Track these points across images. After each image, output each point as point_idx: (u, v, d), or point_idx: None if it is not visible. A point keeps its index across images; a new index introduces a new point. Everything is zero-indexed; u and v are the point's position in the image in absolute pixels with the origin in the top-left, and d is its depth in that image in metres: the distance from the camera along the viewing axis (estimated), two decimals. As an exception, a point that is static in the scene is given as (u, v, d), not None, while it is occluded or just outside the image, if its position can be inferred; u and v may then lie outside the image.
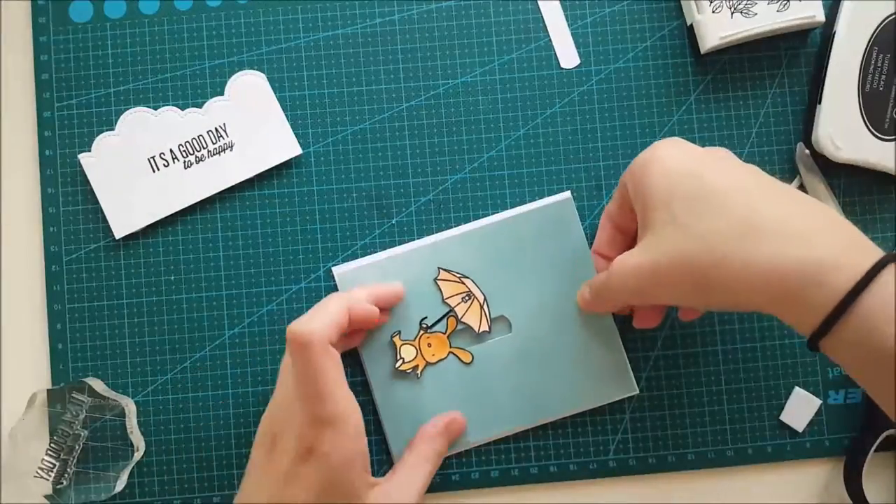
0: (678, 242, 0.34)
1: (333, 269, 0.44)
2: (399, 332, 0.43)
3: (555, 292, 0.43)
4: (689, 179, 0.35)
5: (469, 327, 0.44)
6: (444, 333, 0.44)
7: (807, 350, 0.45)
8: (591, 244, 0.44)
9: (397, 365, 0.43)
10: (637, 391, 0.44)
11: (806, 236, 0.32)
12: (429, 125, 0.46)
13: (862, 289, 0.30)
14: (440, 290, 0.44)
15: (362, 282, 0.44)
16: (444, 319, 0.44)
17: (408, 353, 0.43)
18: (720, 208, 0.33)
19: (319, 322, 0.37)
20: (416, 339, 0.44)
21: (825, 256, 0.31)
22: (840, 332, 0.31)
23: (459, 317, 0.44)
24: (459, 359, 0.44)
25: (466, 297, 0.44)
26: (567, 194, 0.45)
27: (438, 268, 0.44)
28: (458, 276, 0.44)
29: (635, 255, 0.36)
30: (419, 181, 0.46)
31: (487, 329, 0.44)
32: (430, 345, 0.43)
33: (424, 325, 0.44)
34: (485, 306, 0.44)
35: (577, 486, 0.45)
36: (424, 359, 0.43)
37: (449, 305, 0.44)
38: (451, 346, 0.44)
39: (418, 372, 0.43)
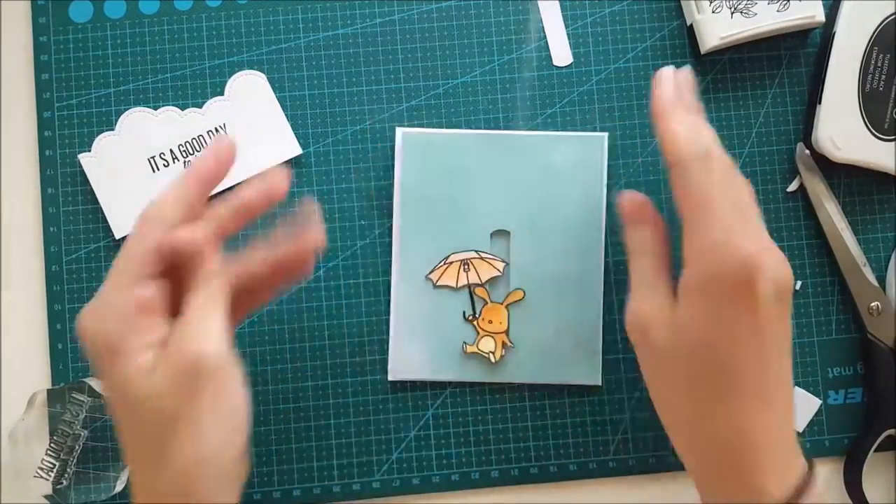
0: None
1: None
2: (464, 343, 0.44)
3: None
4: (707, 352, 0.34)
5: (493, 278, 0.44)
6: (488, 302, 0.44)
7: (807, 350, 0.45)
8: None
9: (494, 360, 0.44)
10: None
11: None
12: (429, 125, 0.46)
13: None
14: (446, 285, 0.44)
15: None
16: (474, 297, 0.44)
17: (486, 345, 0.44)
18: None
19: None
20: (478, 332, 0.44)
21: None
22: None
23: (481, 282, 0.44)
24: (518, 302, 0.44)
25: (466, 266, 0.44)
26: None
27: (426, 277, 0.44)
28: (443, 262, 0.44)
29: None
30: (419, 181, 0.46)
31: (505, 262, 0.44)
32: (490, 322, 0.44)
33: (470, 317, 0.44)
34: (482, 254, 0.44)
35: (577, 486, 0.45)
36: (501, 334, 0.44)
37: (464, 284, 0.44)
38: (503, 303, 0.44)
39: (509, 343, 0.44)
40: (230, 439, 0.32)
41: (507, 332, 0.44)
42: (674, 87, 0.37)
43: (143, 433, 0.32)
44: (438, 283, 0.44)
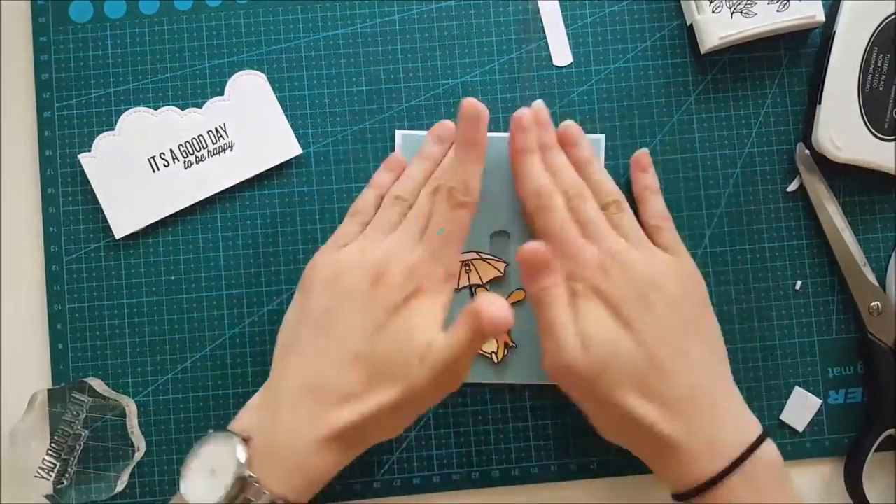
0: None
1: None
2: None
3: None
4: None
5: (494, 279, 0.44)
6: None
7: (807, 350, 0.45)
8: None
9: (496, 360, 0.44)
10: None
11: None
12: (429, 125, 0.46)
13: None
14: None
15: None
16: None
17: (489, 345, 0.44)
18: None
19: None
20: None
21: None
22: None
23: (483, 283, 0.44)
24: (519, 302, 0.44)
25: (467, 268, 0.44)
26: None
27: None
28: None
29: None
30: (419, 181, 0.46)
31: (506, 262, 0.44)
32: None
33: None
34: (483, 255, 0.44)
35: (578, 486, 0.45)
36: (503, 335, 0.44)
37: (465, 286, 0.44)
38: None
39: (511, 343, 0.44)
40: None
41: (508, 333, 0.44)
42: (528, 133, 0.42)
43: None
44: None
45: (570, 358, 0.37)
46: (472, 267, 0.44)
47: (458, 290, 0.44)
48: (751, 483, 0.36)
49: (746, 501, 0.35)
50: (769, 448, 0.37)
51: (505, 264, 0.44)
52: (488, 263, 0.44)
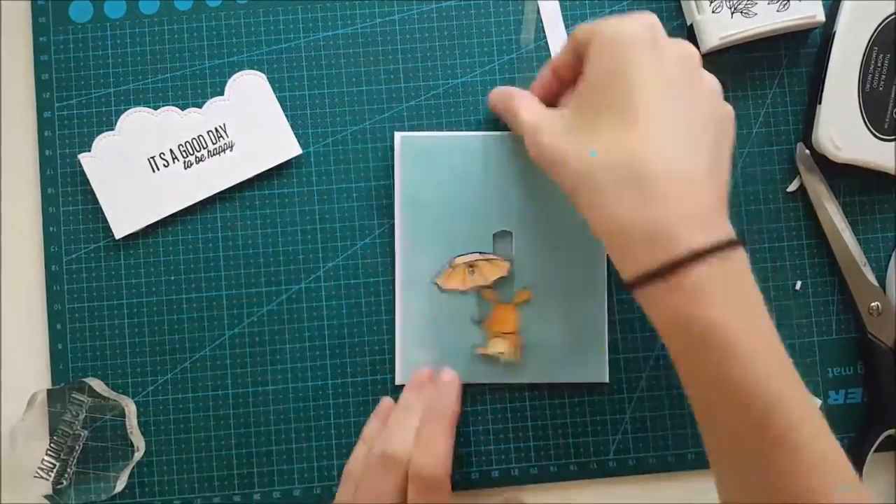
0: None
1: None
2: (474, 346, 0.44)
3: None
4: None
5: (500, 278, 0.44)
6: (496, 304, 0.44)
7: (807, 350, 0.45)
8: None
9: (503, 361, 0.43)
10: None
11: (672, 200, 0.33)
12: (429, 125, 0.46)
13: (692, 261, 0.32)
14: (453, 289, 0.44)
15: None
16: (482, 299, 0.44)
17: (497, 346, 0.43)
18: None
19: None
20: (487, 334, 0.44)
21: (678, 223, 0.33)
22: (658, 289, 0.33)
23: (489, 283, 0.44)
24: (526, 301, 0.44)
25: (471, 269, 0.44)
26: None
27: (433, 281, 0.44)
28: (448, 266, 0.44)
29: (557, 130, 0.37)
30: (419, 181, 0.46)
31: (510, 262, 0.44)
32: (500, 323, 0.44)
33: (479, 319, 0.44)
34: (486, 255, 0.44)
35: (577, 486, 0.45)
36: (513, 333, 0.44)
37: (471, 287, 0.44)
38: (511, 304, 0.44)
39: (521, 343, 0.44)
40: None
41: (516, 333, 0.44)
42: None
43: None
44: (445, 287, 0.44)
45: (547, 138, 0.37)
46: (476, 268, 0.44)
47: (463, 292, 0.44)
48: (717, 279, 0.32)
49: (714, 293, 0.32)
50: (739, 255, 0.33)
51: (509, 263, 0.44)
52: (492, 263, 0.44)
